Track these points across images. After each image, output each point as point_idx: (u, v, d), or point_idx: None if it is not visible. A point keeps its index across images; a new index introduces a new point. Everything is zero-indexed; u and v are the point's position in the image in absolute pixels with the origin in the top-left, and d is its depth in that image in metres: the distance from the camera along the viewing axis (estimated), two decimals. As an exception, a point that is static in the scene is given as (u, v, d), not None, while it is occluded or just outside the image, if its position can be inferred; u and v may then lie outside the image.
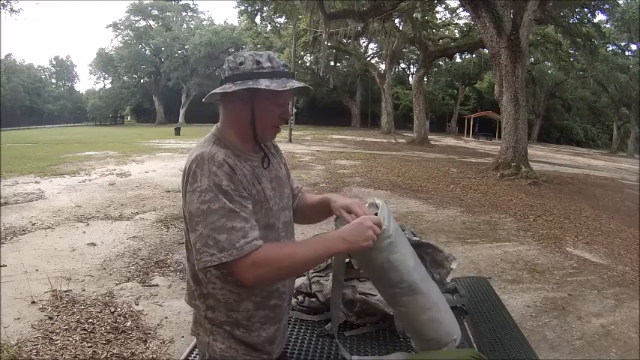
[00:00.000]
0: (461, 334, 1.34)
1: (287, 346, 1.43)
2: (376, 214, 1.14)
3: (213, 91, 1.10)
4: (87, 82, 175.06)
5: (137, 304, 3.35)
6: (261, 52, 1.13)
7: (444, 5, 26.26)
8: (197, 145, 1.13)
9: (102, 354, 2.66)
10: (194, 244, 1.02)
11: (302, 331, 1.54)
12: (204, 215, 1.00)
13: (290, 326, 1.57)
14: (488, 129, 32.82)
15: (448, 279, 1.85)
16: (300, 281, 1.72)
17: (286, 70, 1.12)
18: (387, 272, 1.17)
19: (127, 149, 15.09)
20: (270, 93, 1.09)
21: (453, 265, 1.78)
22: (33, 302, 3.28)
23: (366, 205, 1.21)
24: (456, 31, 29.58)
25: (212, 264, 1.00)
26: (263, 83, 1.07)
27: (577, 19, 19.46)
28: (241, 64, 1.09)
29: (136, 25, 45.18)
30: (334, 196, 1.30)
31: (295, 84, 1.11)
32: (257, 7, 25.90)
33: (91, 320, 3.04)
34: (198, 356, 1.30)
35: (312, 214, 1.41)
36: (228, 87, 1.08)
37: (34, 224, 5.43)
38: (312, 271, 1.70)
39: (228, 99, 1.12)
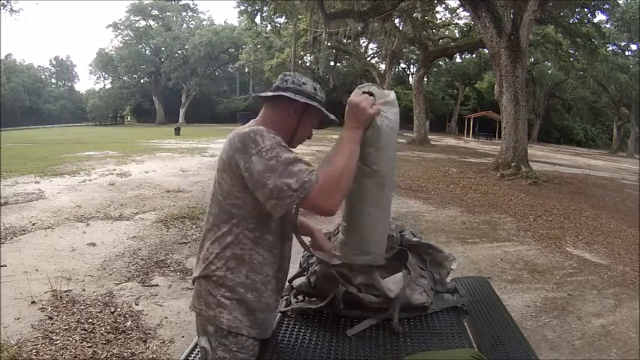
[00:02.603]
0: (384, 254, 1.52)
1: (288, 343, 1.43)
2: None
3: (286, 94, 1.29)
4: (87, 82, 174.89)
5: (137, 304, 3.35)
6: (313, 82, 1.37)
7: (444, 5, 26.26)
8: (240, 129, 1.26)
9: (102, 354, 2.66)
10: (269, 196, 1.16)
11: (302, 330, 1.54)
12: (274, 168, 1.15)
13: (292, 321, 1.60)
14: (488, 129, 32.82)
15: (448, 279, 1.84)
16: (300, 281, 1.72)
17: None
18: (376, 135, 1.35)
19: (127, 149, 15.08)
20: (315, 114, 1.38)
21: (453, 266, 1.78)
22: (33, 302, 3.28)
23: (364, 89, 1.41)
24: (456, 31, 29.54)
25: (295, 203, 1.16)
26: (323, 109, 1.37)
27: (577, 19, 19.46)
28: (304, 84, 1.34)
29: (136, 25, 45.12)
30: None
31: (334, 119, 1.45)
32: (257, 7, 25.85)
33: (91, 320, 3.04)
34: (199, 355, 1.30)
35: None
36: (292, 95, 1.29)
37: (34, 224, 5.42)
38: (312, 270, 1.71)
39: (279, 104, 1.32)
